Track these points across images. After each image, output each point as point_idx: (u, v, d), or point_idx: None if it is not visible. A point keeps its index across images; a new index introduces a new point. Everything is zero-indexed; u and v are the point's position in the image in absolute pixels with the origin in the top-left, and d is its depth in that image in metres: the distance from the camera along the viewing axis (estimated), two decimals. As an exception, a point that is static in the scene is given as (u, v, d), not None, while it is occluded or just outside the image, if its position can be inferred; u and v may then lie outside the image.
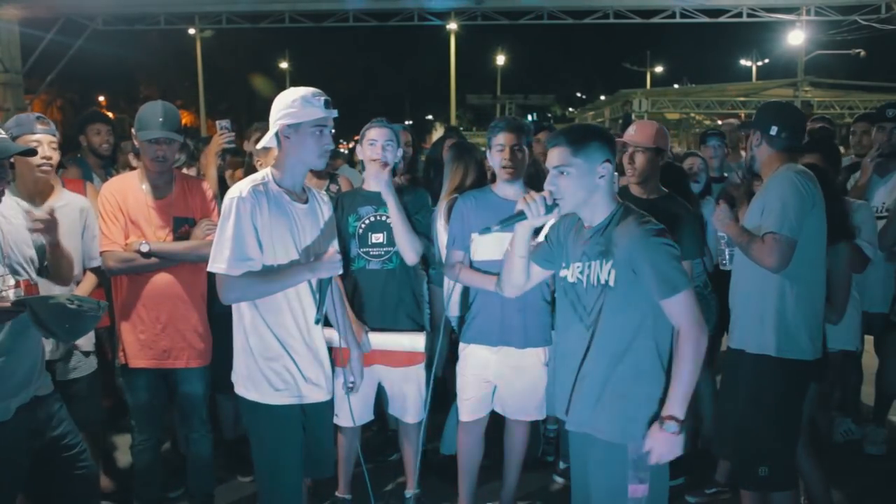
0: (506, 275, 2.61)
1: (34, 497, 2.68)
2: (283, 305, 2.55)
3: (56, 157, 3.10)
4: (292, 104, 2.50)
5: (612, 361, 2.30)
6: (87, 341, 3.22)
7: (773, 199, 2.79)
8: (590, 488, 2.39)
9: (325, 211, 2.75)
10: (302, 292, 2.59)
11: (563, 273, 2.43)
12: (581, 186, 2.27)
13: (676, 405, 2.21)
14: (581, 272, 2.35)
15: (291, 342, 2.58)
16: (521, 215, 2.35)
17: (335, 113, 2.56)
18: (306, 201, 2.64)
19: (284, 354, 2.56)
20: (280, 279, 2.50)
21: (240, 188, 2.49)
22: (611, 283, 2.27)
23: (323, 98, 2.53)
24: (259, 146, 2.69)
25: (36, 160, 2.97)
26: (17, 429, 2.43)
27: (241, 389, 2.61)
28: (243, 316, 2.56)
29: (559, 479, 3.81)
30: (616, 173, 3.33)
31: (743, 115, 19.16)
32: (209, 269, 2.48)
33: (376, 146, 3.19)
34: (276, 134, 2.54)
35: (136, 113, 3.19)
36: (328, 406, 2.78)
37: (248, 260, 2.44)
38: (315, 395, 2.67)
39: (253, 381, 2.57)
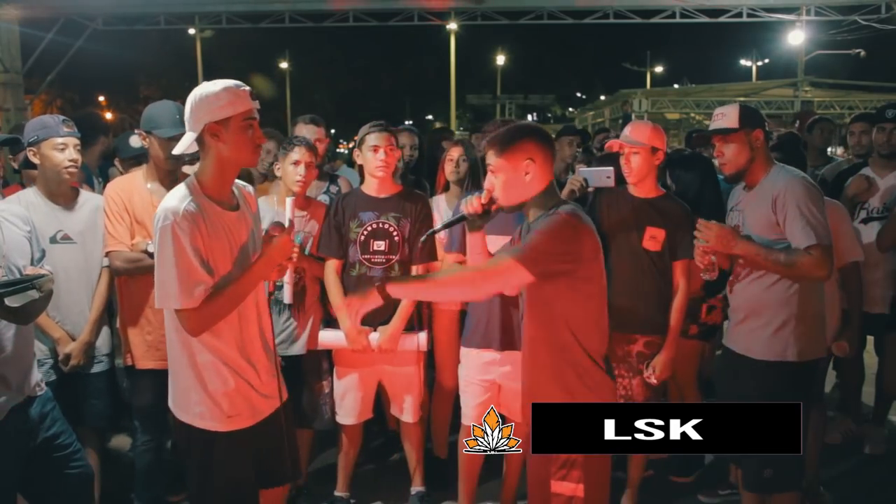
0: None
1: (29, 496, 2.68)
2: (232, 321, 2.31)
3: (80, 159, 3.12)
4: (216, 98, 2.21)
5: (536, 353, 2.40)
6: (105, 343, 3.27)
7: (795, 207, 2.73)
8: None
9: (252, 210, 2.47)
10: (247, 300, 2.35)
11: None
12: (509, 185, 2.33)
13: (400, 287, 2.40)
14: None
15: (243, 362, 2.35)
16: (462, 216, 2.49)
17: (258, 105, 2.31)
18: (236, 206, 2.36)
19: (238, 378, 2.33)
20: (240, 285, 2.26)
21: (170, 210, 2.19)
22: None
23: (248, 89, 2.26)
24: (177, 152, 2.33)
25: (63, 162, 3.02)
26: (12, 429, 2.44)
27: (189, 418, 2.34)
28: (189, 342, 2.29)
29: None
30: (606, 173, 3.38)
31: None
32: (158, 306, 2.24)
33: (379, 153, 3.18)
34: (200, 136, 2.24)
35: (144, 112, 3.18)
36: (281, 411, 2.50)
37: (199, 286, 2.18)
38: (271, 407, 2.46)
39: (206, 410, 2.32)
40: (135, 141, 3.87)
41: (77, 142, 3.08)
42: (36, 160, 3.05)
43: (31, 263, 2.58)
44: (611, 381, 2.39)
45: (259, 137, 2.31)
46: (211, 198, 2.27)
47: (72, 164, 3.04)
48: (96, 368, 3.23)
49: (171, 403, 2.41)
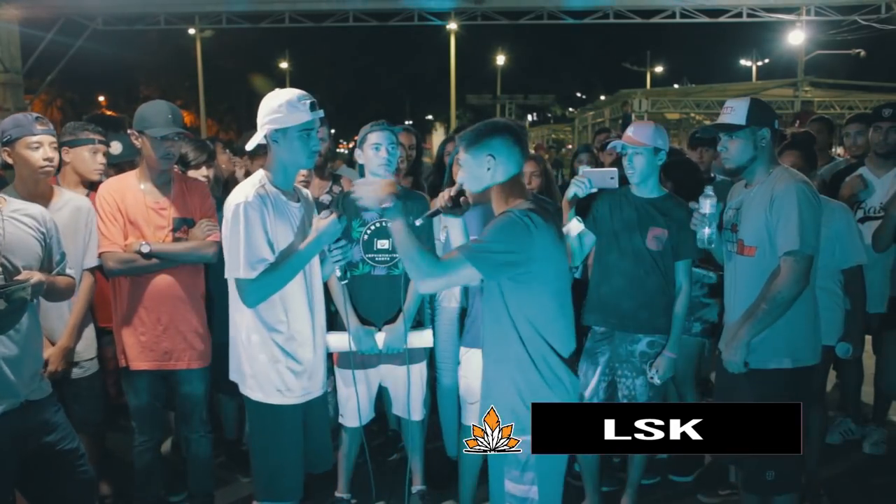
0: None
1: (31, 500, 2.67)
2: (288, 303, 2.60)
3: (56, 157, 3.04)
4: (278, 109, 2.54)
5: (489, 353, 2.43)
6: (88, 348, 3.20)
7: (789, 212, 2.72)
8: None
9: (310, 206, 2.82)
10: (299, 286, 2.65)
11: None
12: (472, 179, 2.42)
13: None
14: None
15: (296, 343, 2.63)
16: (437, 210, 2.60)
17: (321, 113, 2.62)
18: (298, 199, 2.71)
19: (289, 356, 2.62)
20: (291, 260, 2.55)
21: (244, 192, 2.53)
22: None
23: (309, 101, 2.56)
24: (248, 148, 2.73)
25: (38, 161, 2.94)
26: (5, 433, 2.40)
27: (245, 389, 2.67)
28: (246, 316, 2.59)
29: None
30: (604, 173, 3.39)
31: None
32: (227, 276, 2.53)
33: (381, 151, 3.19)
34: (265, 137, 2.60)
35: (137, 112, 3.16)
36: (324, 399, 2.86)
37: (262, 261, 2.49)
38: (316, 391, 2.74)
39: (258, 381, 2.62)
40: (115, 148, 3.84)
41: (52, 140, 2.98)
42: (10, 160, 2.97)
43: (52, 266, 2.56)
44: (576, 380, 2.43)
45: (315, 144, 2.62)
46: (277, 188, 2.60)
47: (47, 162, 2.96)
48: (76, 374, 3.16)
49: (234, 376, 2.72)
